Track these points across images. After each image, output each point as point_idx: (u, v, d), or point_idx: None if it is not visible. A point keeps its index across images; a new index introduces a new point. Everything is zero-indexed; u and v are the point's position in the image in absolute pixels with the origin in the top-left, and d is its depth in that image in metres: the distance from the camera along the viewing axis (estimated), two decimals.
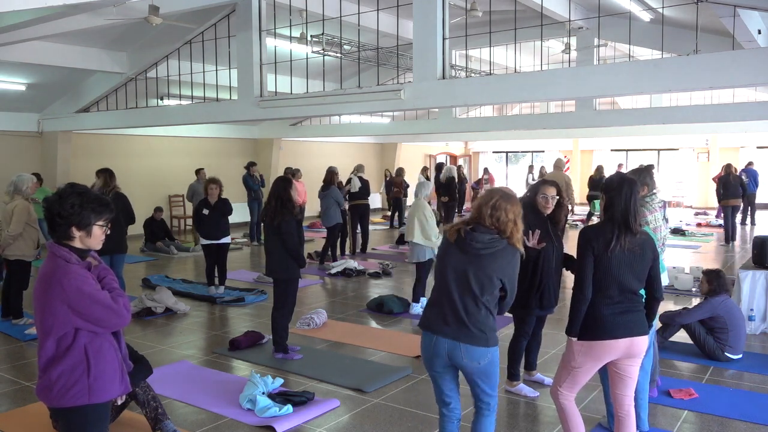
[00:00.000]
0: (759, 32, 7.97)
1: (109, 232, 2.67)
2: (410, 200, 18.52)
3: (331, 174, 10.41)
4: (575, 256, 3.37)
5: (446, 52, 6.84)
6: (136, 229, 12.52)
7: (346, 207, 11.03)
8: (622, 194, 3.19)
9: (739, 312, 5.59)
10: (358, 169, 12.11)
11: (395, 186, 15.09)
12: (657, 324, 4.79)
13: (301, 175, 12.24)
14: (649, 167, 4.45)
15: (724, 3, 6.86)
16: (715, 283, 5.57)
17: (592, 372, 3.30)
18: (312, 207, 15.72)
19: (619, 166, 17.99)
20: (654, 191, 4.24)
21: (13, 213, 6.43)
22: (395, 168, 17.80)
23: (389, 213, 16.63)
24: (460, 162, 24.01)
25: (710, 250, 11.91)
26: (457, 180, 14.38)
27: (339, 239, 11.24)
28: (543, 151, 23.68)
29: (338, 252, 11.24)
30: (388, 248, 12.46)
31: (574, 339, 3.24)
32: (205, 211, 8.07)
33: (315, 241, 13.08)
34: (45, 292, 2.48)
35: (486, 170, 21.84)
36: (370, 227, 12.53)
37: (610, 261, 3.14)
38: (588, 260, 3.16)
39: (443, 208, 13.61)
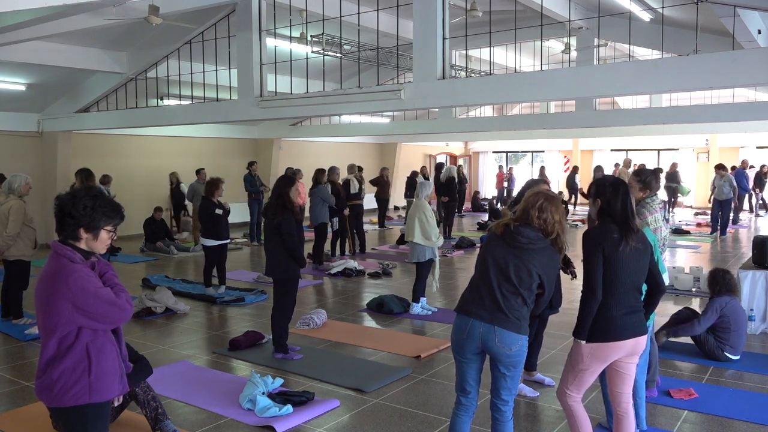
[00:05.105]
0: (759, 32, 7.98)
1: (116, 237, 2.68)
2: (399, 200, 18.67)
3: (318, 173, 10.36)
4: (578, 258, 3.38)
5: (446, 52, 6.84)
6: (136, 229, 12.66)
7: (344, 208, 10.99)
8: (618, 196, 3.20)
9: (743, 313, 5.58)
10: (353, 169, 12.11)
11: (378, 185, 15.03)
12: (654, 324, 4.78)
13: (302, 175, 12.25)
14: (657, 170, 4.48)
15: (724, 3, 6.86)
16: (719, 282, 5.58)
17: (598, 372, 3.32)
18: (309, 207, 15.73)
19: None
20: (655, 193, 4.27)
21: (9, 213, 6.42)
22: (394, 168, 17.83)
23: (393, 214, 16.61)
24: (460, 162, 24.01)
25: (710, 250, 11.91)
26: (457, 180, 14.36)
27: (339, 240, 11.26)
28: (543, 151, 23.69)
29: (338, 252, 11.26)
30: (388, 248, 12.46)
31: (583, 342, 3.24)
32: (218, 211, 8.05)
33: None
34: (49, 292, 2.48)
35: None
36: (369, 228, 12.56)
37: (621, 261, 3.15)
38: (598, 261, 3.16)
39: (443, 208, 13.61)
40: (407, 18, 7.56)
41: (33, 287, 2.70)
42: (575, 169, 19.72)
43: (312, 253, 10.29)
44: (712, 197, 14.10)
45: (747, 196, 17.17)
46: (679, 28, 9.06)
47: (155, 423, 3.90)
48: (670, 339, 5.76)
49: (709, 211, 14.72)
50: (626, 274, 3.16)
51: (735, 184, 13.84)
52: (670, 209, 18.20)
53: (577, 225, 14.84)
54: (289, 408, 4.33)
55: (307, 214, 10.56)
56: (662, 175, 17.28)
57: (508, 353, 3.11)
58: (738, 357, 5.44)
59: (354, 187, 11.61)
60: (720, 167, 13.96)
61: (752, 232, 14.42)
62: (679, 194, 18.11)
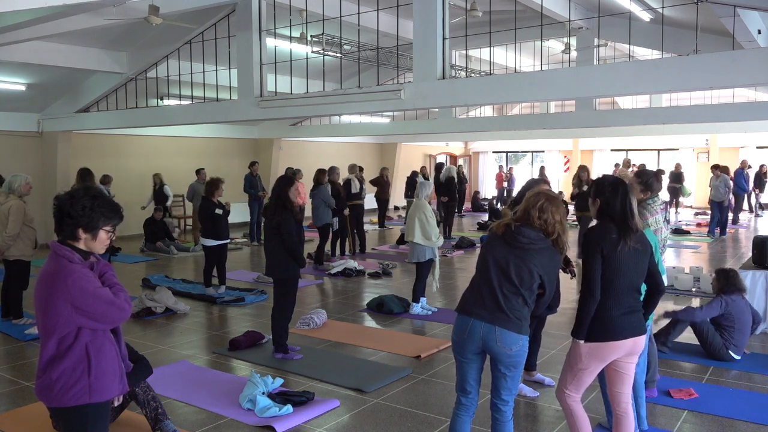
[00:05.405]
0: (759, 32, 7.98)
1: (114, 237, 2.68)
2: (399, 200, 18.61)
3: (319, 173, 10.38)
4: (576, 258, 3.38)
5: (446, 52, 6.84)
6: (136, 228, 12.66)
7: (344, 208, 10.98)
8: (618, 195, 3.20)
9: (748, 312, 5.59)
10: (354, 169, 12.10)
11: (378, 186, 15.03)
12: (653, 323, 4.78)
13: (302, 175, 12.26)
14: (659, 172, 4.49)
15: (724, 3, 6.86)
16: (725, 281, 5.59)
17: (596, 372, 3.32)
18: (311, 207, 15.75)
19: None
20: (656, 194, 4.27)
21: (9, 213, 6.42)
22: (394, 168, 17.80)
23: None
24: (460, 162, 24.01)
25: (710, 250, 11.90)
26: (456, 180, 14.36)
27: (339, 240, 11.26)
28: (543, 151, 23.69)
29: (338, 252, 11.26)
30: (388, 248, 12.46)
31: (581, 341, 3.23)
32: (219, 211, 8.05)
33: (314, 241, 13.07)
34: (48, 292, 2.48)
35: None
36: (369, 228, 12.55)
37: (620, 261, 3.15)
38: (597, 261, 3.16)
39: (443, 208, 13.61)
40: (407, 18, 7.56)
41: (33, 287, 2.70)
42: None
43: (313, 253, 10.31)
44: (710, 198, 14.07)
45: (746, 196, 17.14)
46: (679, 28, 9.05)
47: (155, 423, 3.90)
48: (673, 340, 5.72)
49: (710, 212, 14.69)
50: (625, 274, 3.16)
51: (730, 184, 13.77)
52: (675, 210, 18.21)
53: (576, 225, 14.81)
54: (289, 408, 4.33)
55: (308, 214, 10.56)
56: (666, 176, 17.36)
57: (509, 353, 3.11)
58: (740, 357, 5.45)
59: (355, 187, 11.61)
60: (716, 167, 13.93)
61: (752, 232, 14.41)
62: (681, 195, 18.13)
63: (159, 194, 12.95)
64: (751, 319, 5.62)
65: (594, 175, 19.38)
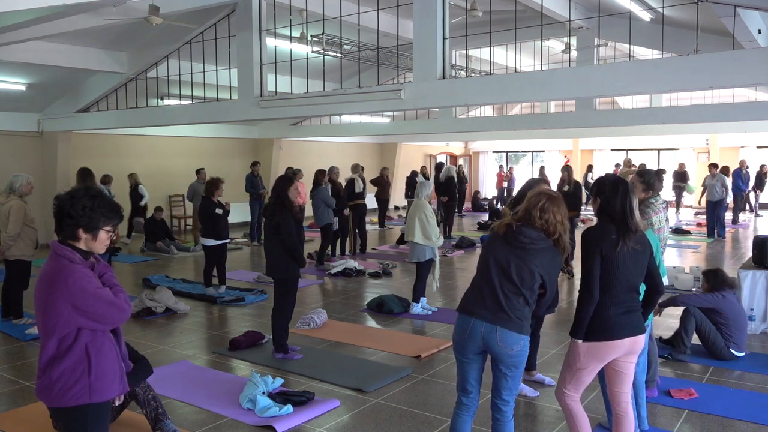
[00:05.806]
0: (759, 32, 7.97)
1: (115, 238, 2.68)
2: (399, 200, 18.55)
3: (318, 174, 10.39)
4: (577, 259, 3.38)
5: (446, 52, 6.84)
6: (135, 228, 12.64)
7: (344, 208, 10.98)
8: (618, 195, 3.20)
9: (740, 307, 5.59)
10: (357, 169, 12.12)
11: (378, 185, 15.04)
12: (653, 323, 4.77)
13: (302, 175, 12.26)
14: (660, 171, 4.49)
15: (724, 3, 6.86)
16: (714, 280, 5.61)
17: (595, 372, 3.32)
18: (311, 207, 15.75)
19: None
20: (658, 194, 4.28)
21: (9, 213, 6.42)
22: (394, 168, 17.78)
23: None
24: (460, 162, 24.01)
25: (710, 250, 11.90)
26: (456, 180, 14.36)
27: (339, 239, 11.27)
28: (543, 151, 23.70)
29: (338, 252, 11.26)
30: (388, 248, 12.46)
31: (579, 341, 3.24)
32: (219, 211, 8.06)
33: (315, 240, 13.09)
34: (48, 292, 2.48)
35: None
36: (369, 228, 12.56)
37: (618, 261, 3.15)
38: (596, 262, 3.16)
39: (443, 208, 13.61)
40: (407, 18, 7.56)
41: (33, 287, 2.70)
42: (589, 168, 19.56)
43: (314, 252, 10.30)
44: (703, 198, 13.91)
45: (744, 195, 17.09)
46: (679, 28, 9.05)
47: (155, 423, 3.90)
48: (690, 343, 5.65)
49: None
50: (623, 274, 3.16)
51: (728, 183, 13.63)
52: (676, 210, 18.20)
53: (577, 225, 14.80)
54: (289, 408, 4.33)
55: (309, 214, 10.56)
56: (670, 175, 17.33)
57: (510, 353, 3.11)
58: (743, 354, 5.45)
59: (358, 187, 11.63)
60: (713, 166, 13.84)
61: (752, 232, 14.41)
62: (686, 192, 18.15)
63: (134, 194, 12.92)
64: (745, 313, 5.64)
65: (594, 176, 19.43)
